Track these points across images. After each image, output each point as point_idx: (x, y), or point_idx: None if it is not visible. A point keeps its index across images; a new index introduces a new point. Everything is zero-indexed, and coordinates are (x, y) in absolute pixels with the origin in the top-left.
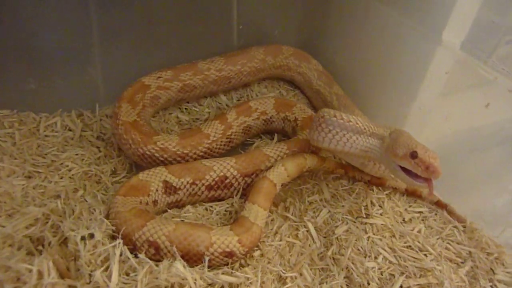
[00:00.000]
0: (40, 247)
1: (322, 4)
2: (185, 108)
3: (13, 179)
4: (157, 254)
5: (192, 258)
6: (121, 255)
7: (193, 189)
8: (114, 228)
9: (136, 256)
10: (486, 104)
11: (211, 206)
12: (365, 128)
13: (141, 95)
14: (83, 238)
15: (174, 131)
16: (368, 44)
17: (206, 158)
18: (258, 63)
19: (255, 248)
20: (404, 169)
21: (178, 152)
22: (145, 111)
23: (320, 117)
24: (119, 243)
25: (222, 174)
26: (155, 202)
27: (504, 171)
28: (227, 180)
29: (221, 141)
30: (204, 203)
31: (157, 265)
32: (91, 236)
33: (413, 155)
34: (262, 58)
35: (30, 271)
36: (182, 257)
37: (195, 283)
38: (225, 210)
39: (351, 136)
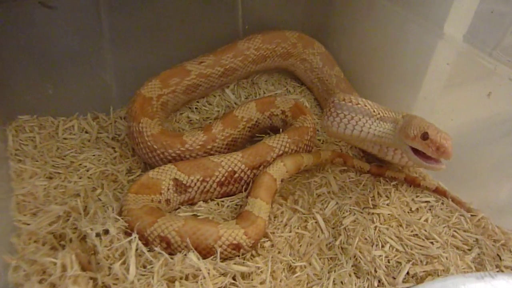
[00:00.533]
0: (63, 242)
1: (325, 4)
2: (195, 108)
3: (35, 180)
4: (168, 248)
5: (201, 252)
6: (136, 249)
7: (204, 187)
8: (127, 224)
9: (150, 250)
10: (488, 93)
11: (222, 201)
12: (375, 111)
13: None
14: (98, 234)
15: (186, 130)
16: (372, 38)
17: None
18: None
19: (265, 240)
20: (415, 151)
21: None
22: (160, 115)
23: (330, 102)
24: (135, 237)
25: (230, 169)
26: (167, 201)
27: (509, 160)
28: (236, 175)
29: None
30: (216, 199)
31: (172, 258)
32: (106, 232)
33: (425, 136)
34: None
35: (55, 264)
36: (194, 249)
37: (208, 273)
38: (236, 204)
39: (360, 118)
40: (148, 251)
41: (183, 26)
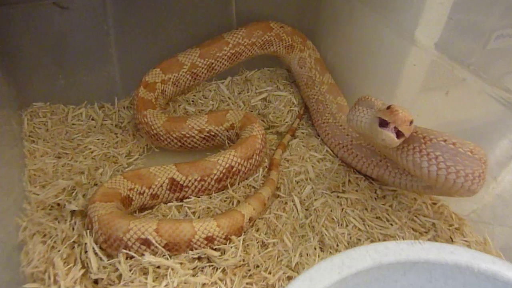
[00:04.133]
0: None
1: (314, 7)
2: (192, 101)
3: (46, 158)
4: (147, 249)
5: (181, 248)
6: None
7: (202, 185)
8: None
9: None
10: (446, 92)
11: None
12: (375, 104)
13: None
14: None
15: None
16: (353, 41)
17: None
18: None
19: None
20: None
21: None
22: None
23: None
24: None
25: (228, 165)
26: (154, 195)
27: None
28: (234, 169)
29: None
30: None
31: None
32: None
33: (389, 107)
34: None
35: (55, 229)
36: (171, 247)
37: (180, 263)
38: (226, 197)
39: (364, 110)
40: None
41: (181, 23)
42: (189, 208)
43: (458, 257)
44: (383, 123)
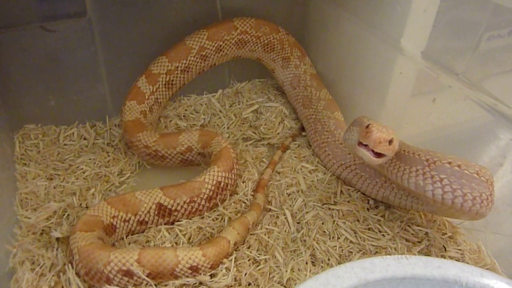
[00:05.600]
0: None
1: (302, 14)
2: (184, 116)
3: (38, 181)
4: (130, 280)
5: (164, 276)
6: None
7: (191, 207)
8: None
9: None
10: (433, 99)
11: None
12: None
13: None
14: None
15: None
16: (341, 49)
17: None
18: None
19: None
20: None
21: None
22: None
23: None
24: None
25: (215, 181)
26: (141, 222)
27: None
28: (221, 184)
29: None
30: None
31: None
32: None
33: (367, 126)
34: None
35: (43, 256)
36: (154, 276)
37: None
38: (217, 215)
39: (353, 129)
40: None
41: (169, 37)
42: (180, 230)
43: (445, 271)
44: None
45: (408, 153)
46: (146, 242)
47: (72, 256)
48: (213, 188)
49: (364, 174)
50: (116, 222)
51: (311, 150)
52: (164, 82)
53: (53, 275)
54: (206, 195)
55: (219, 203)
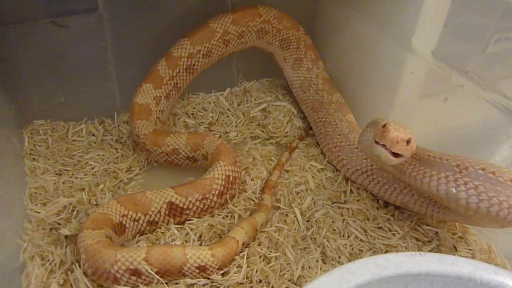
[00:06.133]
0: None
1: (311, 15)
2: (192, 113)
3: (47, 176)
4: (139, 279)
5: (171, 275)
6: None
7: (204, 204)
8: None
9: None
10: (444, 99)
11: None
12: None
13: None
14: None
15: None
16: (351, 49)
17: None
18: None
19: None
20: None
21: None
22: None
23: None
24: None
25: (224, 176)
26: (151, 222)
27: None
28: (230, 178)
29: None
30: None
31: None
32: None
33: (384, 125)
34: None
35: (52, 253)
36: (162, 275)
37: None
38: (227, 213)
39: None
40: None
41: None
42: (191, 229)
43: (459, 268)
44: None
45: (434, 158)
46: (156, 240)
47: (79, 254)
48: (223, 183)
49: (381, 180)
50: (126, 221)
51: (320, 149)
52: (185, 66)
53: (62, 273)
54: (217, 191)
55: (229, 200)
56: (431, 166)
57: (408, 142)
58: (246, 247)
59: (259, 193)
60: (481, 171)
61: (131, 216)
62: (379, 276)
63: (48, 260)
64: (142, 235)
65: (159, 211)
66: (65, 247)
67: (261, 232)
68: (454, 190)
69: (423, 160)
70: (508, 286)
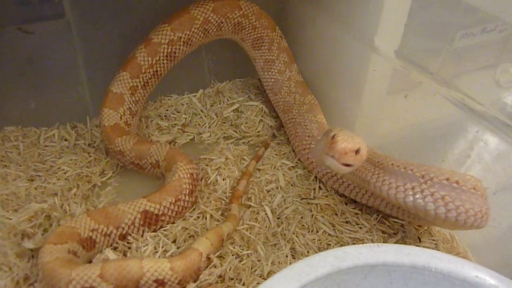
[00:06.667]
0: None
1: (280, 19)
2: (165, 115)
3: (18, 182)
4: None
5: None
6: None
7: (178, 206)
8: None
9: None
10: (405, 95)
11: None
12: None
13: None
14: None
15: (155, 135)
16: (318, 48)
17: None
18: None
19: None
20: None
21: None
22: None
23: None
24: None
25: (188, 174)
26: (123, 235)
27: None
28: (194, 175)
29: None
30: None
31: None
32: None
33: (333, 137)
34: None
35: (18, 266)
36: None
37: None
38: (199, 214)
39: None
40: None
41: None
42: (165, 235)
43: (415, 258)
44: None
45: (398, 167)
46: (128, 249)
47: (38, 272)
48: (190, 181)
49: (351, 183)
50: (96, 236)
51: (291, 147)
52: (165, 54)
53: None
54: (187, 190)
55: (198, 197)
56: (396, 177)
57: (357, 152)
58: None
59: (230, 193)
60: (445, 181)
61: (102, 230)
62: (338, 268)
63: (14, 272)
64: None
65: (133, 222)
66: (30, 260)
67: (236, 231)
68: (421, 202)
69: (387, 170)
70: (460, 272)
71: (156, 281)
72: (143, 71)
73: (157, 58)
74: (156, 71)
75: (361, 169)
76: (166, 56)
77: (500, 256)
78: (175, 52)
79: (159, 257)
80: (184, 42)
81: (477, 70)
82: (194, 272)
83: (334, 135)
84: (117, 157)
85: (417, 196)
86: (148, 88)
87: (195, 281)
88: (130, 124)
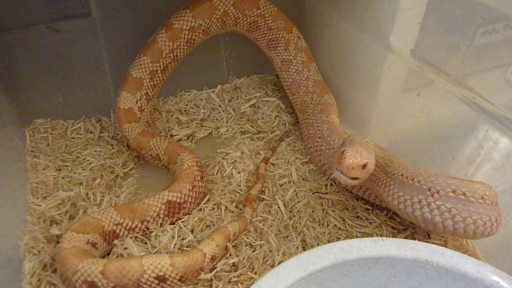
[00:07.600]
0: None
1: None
2: (184, 110)
3: (47, 171)
4: None
5: None
6: None
7: (195, 193)
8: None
9: None
10: (418, 93)
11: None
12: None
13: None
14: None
15: (175, 129)
16: (334, 48)
17: None
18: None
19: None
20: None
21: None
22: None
23: None
24: None
25: (195, 162)
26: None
27: (446, 157)
28: (198, 163)
29: None
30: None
31: None
32: None
33: (343, 152)
34: None
35: (46, 250)
36: None
37: None
38: (213, 205)
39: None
40: None
41: None
42: (184, 226)
43: (418, 252)
44: None
45: (407, 178)
46: (148, 239)
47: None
48: (198, 168)
49: (363, 185)
50: (120, 230)
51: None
52: (186, 40)
53: (52, 272)
54: (199, 176)
55: (214, 191)
56: (404, 189)
57: (364, 166)
58: (215, 265)
59: (244, 185)
60: (452, 193)
61: (127, 225)
62: (343, 259)
63: (41, 256)
64: None
65: (158, 214)
66: (56, 246)
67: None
68: (429, 216)
69: (397, 182)
70: (462, 268)
71: (157, 277)
72: (163, 55)
73: (178, 43)
74: (176, 55)
75: (375, 179)
76: (186, 42)
77: (509, 254)
78: (194, 39)
79: (175, 244)
80: (203, 30)
81: (489, 69)
82: (196, 271)
83: (344, 150)
84: (125, 140)
85: (424, 210)
86: (166, 73)
87: (211, 271)
88: (143, 110)
